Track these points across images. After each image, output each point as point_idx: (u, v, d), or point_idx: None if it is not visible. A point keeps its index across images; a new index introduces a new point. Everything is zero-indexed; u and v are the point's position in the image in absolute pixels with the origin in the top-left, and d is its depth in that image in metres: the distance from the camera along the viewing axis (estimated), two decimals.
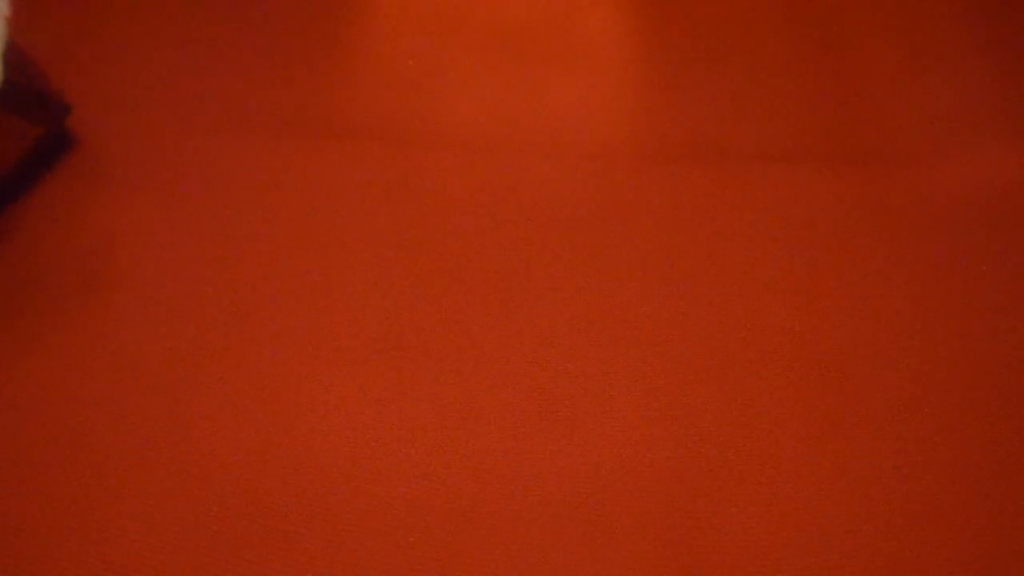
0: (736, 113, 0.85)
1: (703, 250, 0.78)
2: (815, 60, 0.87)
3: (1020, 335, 0.76)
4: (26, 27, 0.78)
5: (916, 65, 0.88)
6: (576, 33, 0.89)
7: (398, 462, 0.69)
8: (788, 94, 0.86)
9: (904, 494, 0.69)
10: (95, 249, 0.77)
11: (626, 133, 0.82)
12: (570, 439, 0.70)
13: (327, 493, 0.67)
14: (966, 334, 0.75)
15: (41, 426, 0.69)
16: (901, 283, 0.78)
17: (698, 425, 0.71)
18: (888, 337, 0.75)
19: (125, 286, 0.75)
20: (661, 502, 0.68)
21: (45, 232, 0.78)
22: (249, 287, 0.77)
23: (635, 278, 0.77)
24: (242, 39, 0.93)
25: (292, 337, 0.74)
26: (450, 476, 0.68)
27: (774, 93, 0.86)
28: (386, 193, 0.81)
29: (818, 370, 0.73)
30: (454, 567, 0.65)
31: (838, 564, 0.66)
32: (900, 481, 0.69)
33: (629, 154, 0.82)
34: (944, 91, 0.87)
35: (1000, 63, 0.89)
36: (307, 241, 0.79)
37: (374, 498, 0.67)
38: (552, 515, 0.67)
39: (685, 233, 0.79)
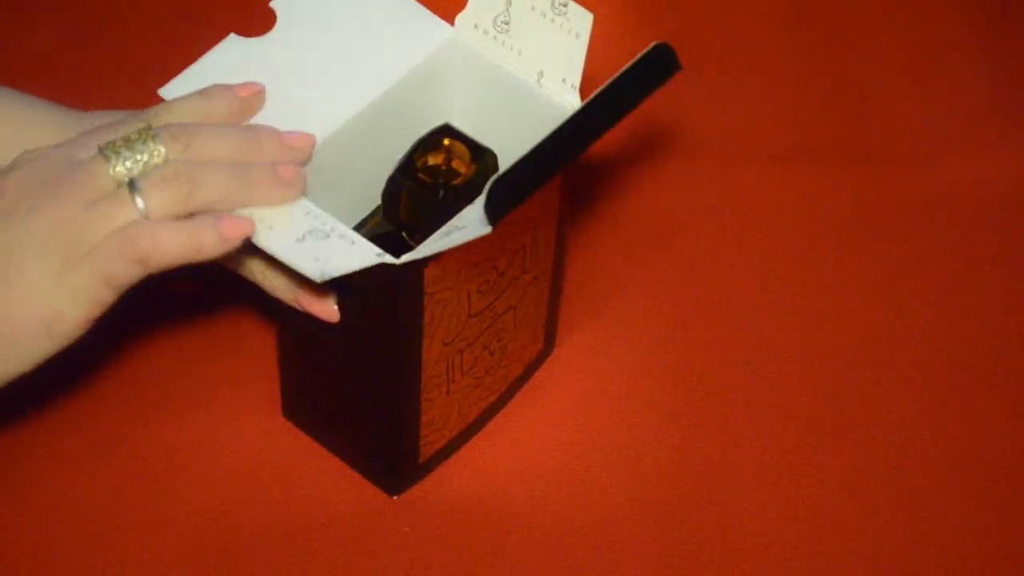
0: (736, 112, 0.84)
1: (702, 249, 0.78)
2: (815, 59, 0.87)
3: (1022, 335, 0.75)
4: None
5: (917, 65, 0.88)
6: None
7: None
8: (788, 93, 0.86)
9: (905, 494, 0.69)
10: None
11: (624, 133, 0.82)
12: (570, 439, 0.70)
13: (325, 494, 0.67)
14: (967, 334, 0.75)
15: None
16: (902, 283, 0.77)
17: (698, 426, 0.71)
18: (888, 337, 0.75)
19: None
20: (661, 503, 0.68)
21: None
22: None
23: (634, 277, 0.76)
24: None
25: None
26: (449, 477, 0.68)
27: (774, 92, 0.86)
28: None
29: (818, 370, 0.73)
30: (454, 570, 0.65)
31: (839, 565, 0.66)
32: (901, 481, 0.69)
33: (627, 153, 0.81)
34: (945, 91, 0.87)
35: (1000, 63, 0.89)
36: None
37: (373, 499, 0.67)
38: (552, 515, 0.67)
39: (683, 232, 0.79)
